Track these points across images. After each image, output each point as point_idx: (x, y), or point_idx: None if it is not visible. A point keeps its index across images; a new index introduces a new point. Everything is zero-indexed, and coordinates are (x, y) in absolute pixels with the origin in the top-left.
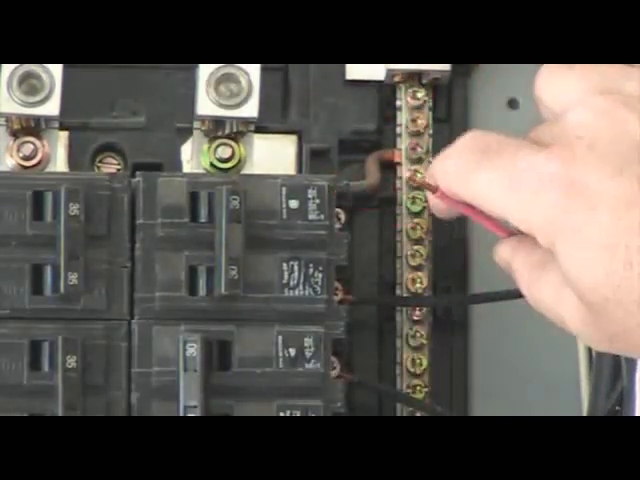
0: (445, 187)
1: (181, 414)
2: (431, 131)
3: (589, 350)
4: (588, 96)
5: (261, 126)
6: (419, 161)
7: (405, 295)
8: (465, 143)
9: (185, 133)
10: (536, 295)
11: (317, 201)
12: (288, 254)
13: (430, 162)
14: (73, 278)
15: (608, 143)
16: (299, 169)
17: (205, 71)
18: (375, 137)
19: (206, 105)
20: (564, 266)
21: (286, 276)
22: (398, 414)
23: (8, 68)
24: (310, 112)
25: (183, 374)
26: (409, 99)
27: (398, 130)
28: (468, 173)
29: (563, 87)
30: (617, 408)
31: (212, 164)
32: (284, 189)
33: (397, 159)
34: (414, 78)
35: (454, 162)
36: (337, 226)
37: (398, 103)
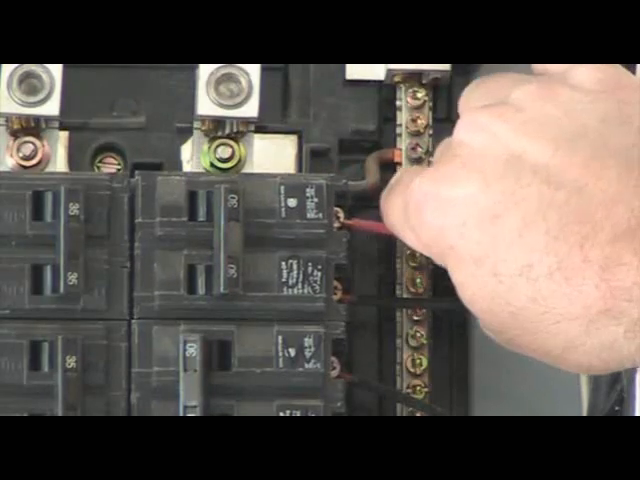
0: None
1: (181, 414)
2: (431, 131)
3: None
4: (471, 111)
5: (261, 126)
6: (419, 161)
7: (405, 295)
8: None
9: (185, 133)
10: None
11: (316, 200)
12: (287, 253)
13: (430, 162)
14: (73, 278)
15: (478, 159)
16: (299, 169)
17: (205, 71)
18: (375, 137)
19: (206, 105)
20: (453, 281)
21: (285, 275)
22: (398, 414)
23: (8, 68)
24: (310, 112)
25: (183, 374)
26: (409, 99)
27: (398, 130)
28: (383, 204)
29: (470, 101)
30: (617, 408)
31: (212, 164)
32: (283, 188)
33: (397, 159)
34: (414, 78)
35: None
36: (336, 225)
37: (398, 103)
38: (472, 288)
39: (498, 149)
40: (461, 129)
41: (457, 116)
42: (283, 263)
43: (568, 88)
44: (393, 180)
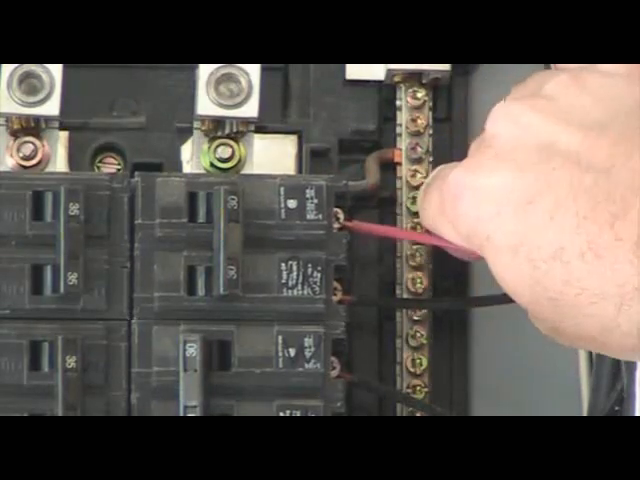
0: None
1: (181, 414)
2: (431, 131)
3: (589, 350)
4: (503, 103)
5: (261, 126)
6: (419, 161)
7: (405, 296)
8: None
9: (185, 133)
10: None
11: (315, 201)
12: (286, 254)
13: (430, 162)
14: (73, 278)
15: (512, 149)
16: (299, 169)
17: (205, 71)
18: (375, 137)
19: (206, 105)
20: (493, 274)
21: (285, 276)
22: (398, 414)
23: (8, 68)
24: (310, 112)
25: (183, 374)
26: (409, 99)
27: (398, 130)
28: (420, 202)
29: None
30: (617, 408)
31: (212, 164)
32: (282, 189)
33: (397, 159)
34: (414, 78)
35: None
36: (336, 226)
37: (398, 103)
38: (511, 278)
39: (530, 138)
40: (493, 120)
41: None
42: (283, 264)
43: (598, 75)
44: (429, 178)
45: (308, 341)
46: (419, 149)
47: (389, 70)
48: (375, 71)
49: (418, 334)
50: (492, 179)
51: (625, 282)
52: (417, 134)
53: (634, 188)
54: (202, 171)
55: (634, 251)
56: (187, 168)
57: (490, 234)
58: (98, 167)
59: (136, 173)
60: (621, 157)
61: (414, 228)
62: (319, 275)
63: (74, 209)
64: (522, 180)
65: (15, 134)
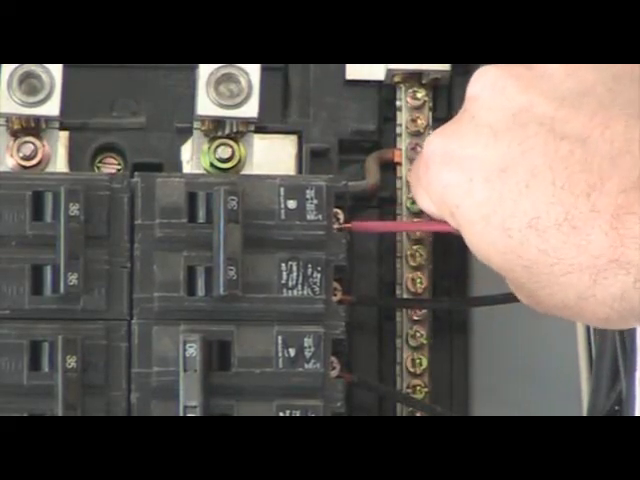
0: None
1: (181, 414)
2: (431, 131)
3: (589, 350)
4: (484, 68)
5: (261, 126)
6: None
7: (405, 296)
8: None
9: (185, 133)
10: None
11: (315, 201)
12: (286, 254)
13: None
14: (73, 278)
15: (486, 113)
16: (299, 169)
17: (205, 71)
18: (375, 137)
19: (206, 105)
20: (465, 242)
21: (285, 276)
22: (398, 414)
23: (8, 68)
24: (310, 112)
25: (183, 374)
26: (409, 99)
27: (398, 130)
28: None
29: None
30: (617, 408)
31: (212, 164)
32: (282, 189)
33: (397, 159)
34: (414, 78)
35: None
36: (336, 226)
37: (398, 103)
38: (484, 246)
39: (506, 103)
40: (472, 84)
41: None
42: (283, 265)
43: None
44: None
45: (308, 341)
46: (419, 149)
47: (389, 70)
48: (375, 71)
49: (418, 334)
50: (466, 146)
51: (600, 254)
52: (417, 134)
53: (612, 158)
54: (202, 171)
55: (610, 223)
56: (187, 168)
57: (459, 202)
58: (98, 167)
59: (136, 173)
60: (597, 128)
61: None
62: (319, 275)
63: (74, 209)
64: (496, 147)
65: (15, 134)
